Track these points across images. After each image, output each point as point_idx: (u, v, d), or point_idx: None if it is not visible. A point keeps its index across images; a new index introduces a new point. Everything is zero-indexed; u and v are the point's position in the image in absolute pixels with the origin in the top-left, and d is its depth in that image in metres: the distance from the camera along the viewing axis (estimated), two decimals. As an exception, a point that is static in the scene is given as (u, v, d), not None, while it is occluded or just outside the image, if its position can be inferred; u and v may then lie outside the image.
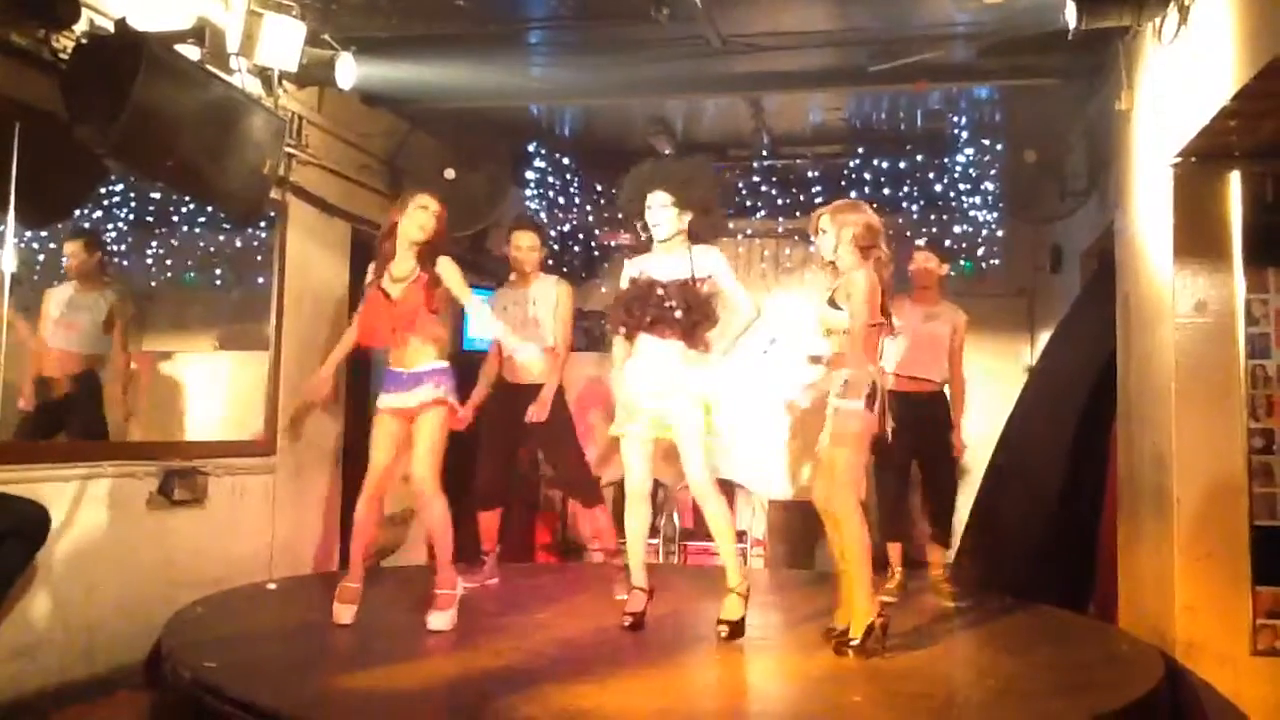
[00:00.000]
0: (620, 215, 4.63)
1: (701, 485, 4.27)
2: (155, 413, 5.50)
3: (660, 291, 4.23)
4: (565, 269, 5.48)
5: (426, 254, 4.38)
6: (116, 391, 5.05)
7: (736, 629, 4.19)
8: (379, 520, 4.69)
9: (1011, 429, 6.43)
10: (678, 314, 4.19)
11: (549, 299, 5.32)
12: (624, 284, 4.43)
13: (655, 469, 4.49)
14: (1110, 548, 5.42)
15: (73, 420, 4.76)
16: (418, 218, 4.36)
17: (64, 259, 4.83)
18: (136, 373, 5.30)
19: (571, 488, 5.43)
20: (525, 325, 5.26)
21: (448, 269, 4.39)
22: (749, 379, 7.15)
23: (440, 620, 4.30)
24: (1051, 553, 5.67)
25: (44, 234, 4.64)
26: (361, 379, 6.30)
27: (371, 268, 4.50)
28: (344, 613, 4.34)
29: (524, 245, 5.37)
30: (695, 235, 4.42)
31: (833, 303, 4.14)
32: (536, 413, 5.15)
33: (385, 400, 4.39)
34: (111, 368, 5.02)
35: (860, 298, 4.02)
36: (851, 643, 3.94)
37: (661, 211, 4.33)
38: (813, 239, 4.31)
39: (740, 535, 7.32)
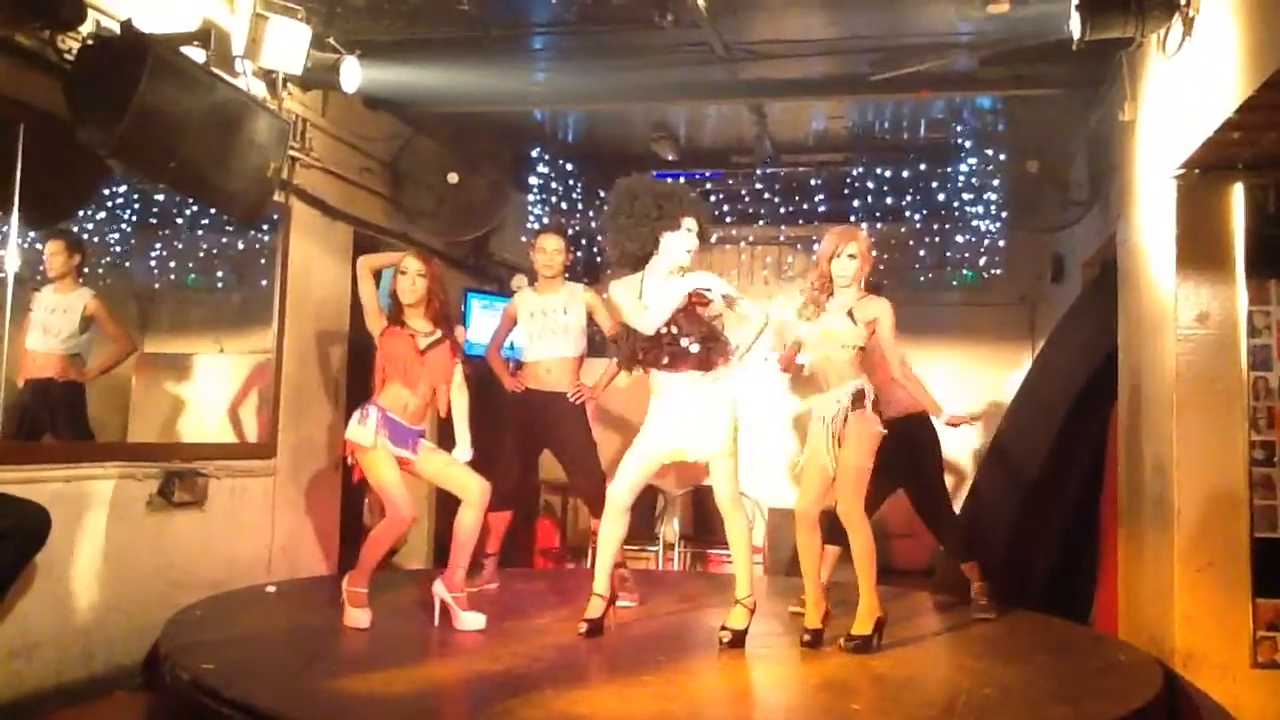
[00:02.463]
0: (645, 230, 4.41)
1: (727, 500, 4.31)
2: (156, 414, 5.49)
3: (672, 330, 4.20)
4: (566, 274, 5.45)
5: (436, 313, 4.58)
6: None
7: (738, 638, 4.24)
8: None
9: (1002, 431, 6.45)
10: (693, 349, 4.19)
11: (579, 307, 5.28)
12: (620, 301, 4.34)
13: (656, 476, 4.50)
14: (1108, 558, 5.42)
15: (57, 422, 4.74)
16: (403, 284, 4.54)
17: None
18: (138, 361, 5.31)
19: (585, 495, 5.42)
20: (556, 332, 5.26)
21: (461, 334, 4.78)
22: (749, 386, 7.16)
23: (475, 620, 4.40)
24: (1036, 558, 5.65)
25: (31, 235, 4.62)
26: (363, 381, 6.31)
27: (379, 308, 4.58)
28: (362, 617, 4.36)
29: (549, 248, 5.31)
30: None
31: (850, 316, 4.26)
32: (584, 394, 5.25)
33: (393, 450, 4.42)
34: (107, 359, 5.01)
35: (891, 321, 4.27)
36: (858, 639, 4.12)
37: (693, 239, 4.28)
38: (833, 257, 4.27)
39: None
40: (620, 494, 4.33)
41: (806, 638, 4.24)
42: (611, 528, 4.36)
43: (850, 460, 4.18)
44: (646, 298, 4.25)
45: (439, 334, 4.58)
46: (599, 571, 4.41)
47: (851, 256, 4.25)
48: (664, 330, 4.20)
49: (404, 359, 4.48)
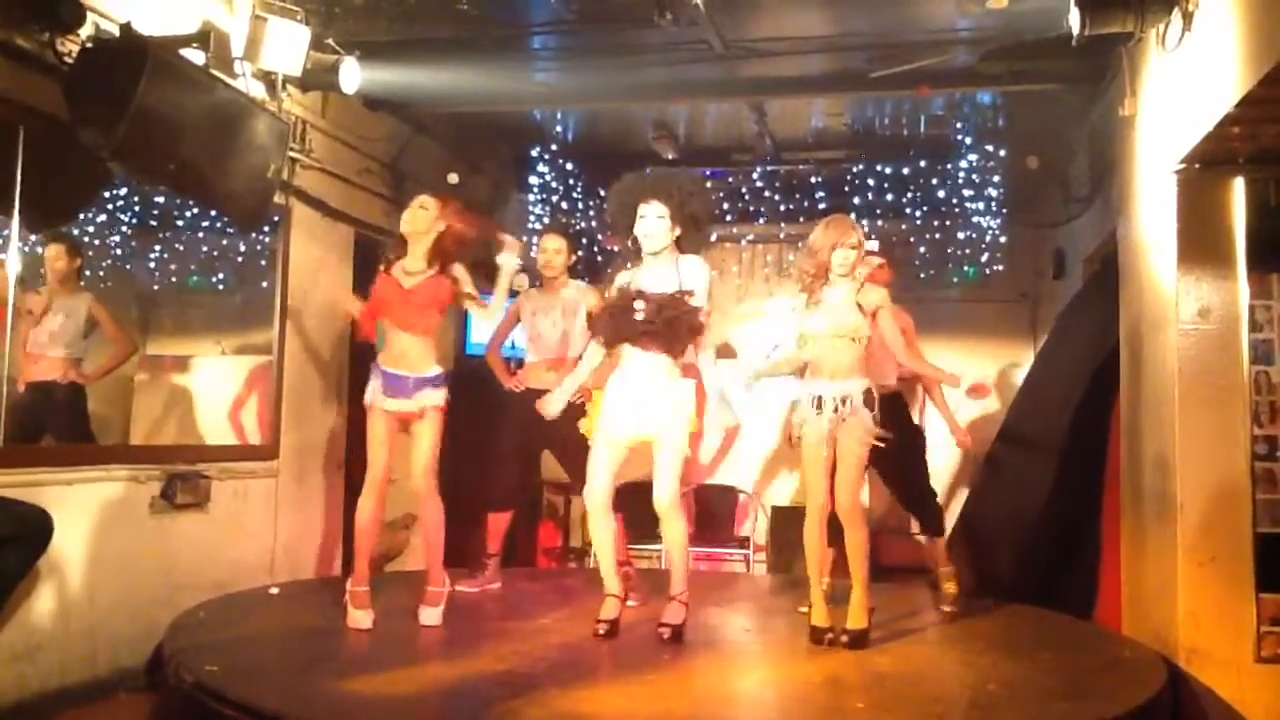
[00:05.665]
0: (610, 227, 4.62)
1: (665, 502, 4.26)
2: (158, 416, 5.50)
3: (641, 306, 4.21)
4: (568, 273, 5.44)
5: (437, 255, 4.47)
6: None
7: (677, 633, 4.25)
8: (382, 520, 4.71)
9: (1005, 427, 6.43)
10: (659, 327, 4.20)
11: (582, 308, 5.22)
12: (613, 294, 4.42)
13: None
14: (1111, 553, 5.41)
15: (58, 424, 4.75)
16: (408, 215, 4.50)
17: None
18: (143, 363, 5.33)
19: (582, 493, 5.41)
20: (558, 333, 5.23)
21: (464, 274, 4.53)
22: (750, 384, 7.16)
23: (432, 616, 4.43)
24: (1037, 552, 5.65)
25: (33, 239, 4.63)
26: (365, 382, 6.30)
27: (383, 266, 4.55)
28: (364, 618, 4.34)
29: (550, 249, 5.30)
30: (682, 249, 4.42)
31: (860, 308, 4.31)
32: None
33: (384, 402, 4.40)
34: (108, 361, 5.01)
35: (890, 307, 4.35)
36: (855, 633, 4.16)
37: (656, 223, 4.31)
38: (835, 247, 4.29)
39: (743, 541, 7.41)
40: (596, 492, 4.31)
41: (831, 636, 4.23)
42: (600, 528, 4.36)
43: (853, 456, 4.21)
44: (639, 284, 4.32)
45: (430, 270, 4.47)
46: (606, 572, 4.40)
47: (852, 247, 4.29)
48: (638, 306, 4.21)
49: (389, 301, 4.44)
